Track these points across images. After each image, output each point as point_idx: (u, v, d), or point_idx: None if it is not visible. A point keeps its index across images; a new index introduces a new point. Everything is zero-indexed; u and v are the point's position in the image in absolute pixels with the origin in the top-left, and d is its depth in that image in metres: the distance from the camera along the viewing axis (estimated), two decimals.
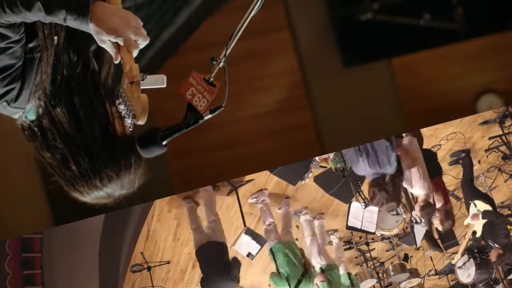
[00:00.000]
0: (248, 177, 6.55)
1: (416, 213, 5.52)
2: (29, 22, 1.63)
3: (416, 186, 5.26)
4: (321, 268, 7.04)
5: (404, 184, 5.28)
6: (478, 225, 7.43)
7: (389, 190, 5.01)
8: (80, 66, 1.74)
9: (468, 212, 7.40)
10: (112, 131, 1.70)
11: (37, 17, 1.60)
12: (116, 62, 1.65)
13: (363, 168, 5.06)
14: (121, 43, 1.62)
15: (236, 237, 6.82)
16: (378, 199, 5.04)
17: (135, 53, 1.65)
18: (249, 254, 6.60)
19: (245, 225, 6.53)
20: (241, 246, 6.55)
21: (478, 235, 7.55)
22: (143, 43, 1.66)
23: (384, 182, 5.01)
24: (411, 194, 6.39)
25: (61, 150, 1.68)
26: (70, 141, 1.68)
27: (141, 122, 1.60)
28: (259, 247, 6.56)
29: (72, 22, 1.59)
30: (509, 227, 7.58)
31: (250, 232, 6.53)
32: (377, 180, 5.03)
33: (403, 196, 5.38)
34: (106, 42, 1.62)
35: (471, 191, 7.32)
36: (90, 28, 1.59)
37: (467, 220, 7.49)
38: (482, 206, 7.19)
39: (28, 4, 1.57)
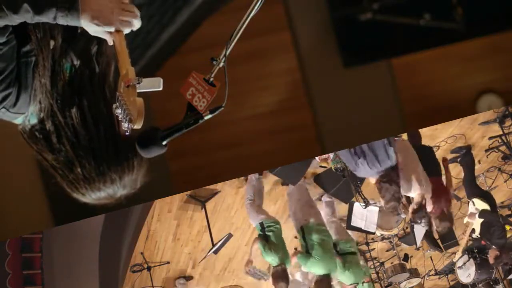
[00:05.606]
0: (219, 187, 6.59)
1: (409, 216, 5.45)
2: (14, 24, 1.59)
3: (408, 188, 5.18)
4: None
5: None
6: (476, 223, 7.43)
7: (397, 182, 4.92)
8: (84, 69, 1.73)
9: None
10: (116, 133, 1.70)
11: (24, 18, 1.56)
12: (110, 44, 1.63)
13: (364, 170, 4.99)
14: (112, 29, 1.60)
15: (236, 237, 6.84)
16: (391, 194, 4.92)
17: (127, 31, 1.63)
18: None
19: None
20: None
21: (476, 233, 7.54)
22: (134, 20, 1.63)
23: (390, 176, 4.93)
24: None
25: (65, 153, 1.67)
26: (78, 143, 1.67)
27: (137, 126, 1.59)
28: None
29: (63, 19, 1.56)
30: (508, 227, 7.57)
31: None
32: (383, 177, 4.94)
33: (402, 196, 5.31)
34: (98, 31, 1.60)
35: (472, 189, 7.30)
36: (81, 21, 1.56)
37: (466, 219, 7.49)
38: (480, 204, 7.18)
39: (15, 7, 1.53)
